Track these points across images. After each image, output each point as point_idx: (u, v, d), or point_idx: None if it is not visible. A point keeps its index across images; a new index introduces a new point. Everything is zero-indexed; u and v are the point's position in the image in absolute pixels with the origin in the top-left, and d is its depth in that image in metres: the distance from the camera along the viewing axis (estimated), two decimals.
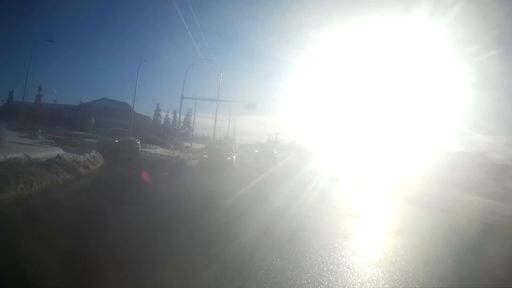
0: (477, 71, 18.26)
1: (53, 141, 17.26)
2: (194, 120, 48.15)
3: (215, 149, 15.73)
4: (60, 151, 10.71)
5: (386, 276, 3.20)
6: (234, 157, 15.50)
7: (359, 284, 2.97)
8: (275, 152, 23.50)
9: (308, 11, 37.84)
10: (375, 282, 3.04)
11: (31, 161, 7.84)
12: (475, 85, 19.44)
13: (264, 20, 54.79)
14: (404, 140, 21.82)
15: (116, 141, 14.61)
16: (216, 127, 34.95)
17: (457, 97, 21.44)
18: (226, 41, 72.73)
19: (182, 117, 48.30)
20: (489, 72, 18.15)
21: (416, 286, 3.01)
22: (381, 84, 26.80)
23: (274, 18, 52.19)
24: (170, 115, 57.82)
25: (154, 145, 25.93)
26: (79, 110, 43.60)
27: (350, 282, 3.00)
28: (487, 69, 17.79)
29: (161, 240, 3.71)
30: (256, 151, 23.63)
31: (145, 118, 46.13)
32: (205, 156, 14.89)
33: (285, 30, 64.93)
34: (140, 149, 16.28)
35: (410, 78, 23.98)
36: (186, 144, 34.68)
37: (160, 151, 23.65)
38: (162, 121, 55.18)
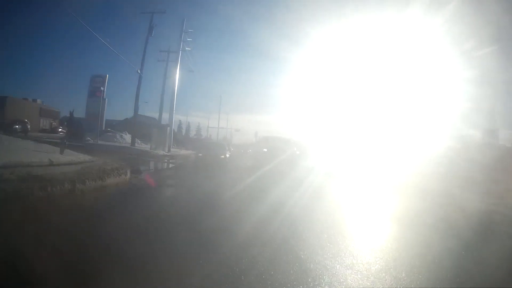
0: (474, 67, 18.20)
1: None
2: (208, 130, 65.25)
3: (210, 148, 16.47)
4: None
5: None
6: (227, 155, 16.07)
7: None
8: (297, 152, 17.50)
9: (304, 7, 39.63)
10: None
11: None
12: (472, 81, 19.23)
13: (259, 16, 55.17)
14: (400, 136, 21.44)
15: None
16: (218, 131, 54.84)
17: (453, 93, 21.83)
18: (221, 37, 77.96)
19: (197, 124, 73.94)
20: (486, 68, 18.23)
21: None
22: (378, 80, 26.62)
23: (269, 14, 52.32)
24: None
25: None
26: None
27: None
28: (484, 65, 17.78)
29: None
30: (265, 150, 16.96)
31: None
32: (200, 154, 15.47)
33: (281, 27, 65.97)
34: None
35: (407, 73, 23.95)
36: None
37: None
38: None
